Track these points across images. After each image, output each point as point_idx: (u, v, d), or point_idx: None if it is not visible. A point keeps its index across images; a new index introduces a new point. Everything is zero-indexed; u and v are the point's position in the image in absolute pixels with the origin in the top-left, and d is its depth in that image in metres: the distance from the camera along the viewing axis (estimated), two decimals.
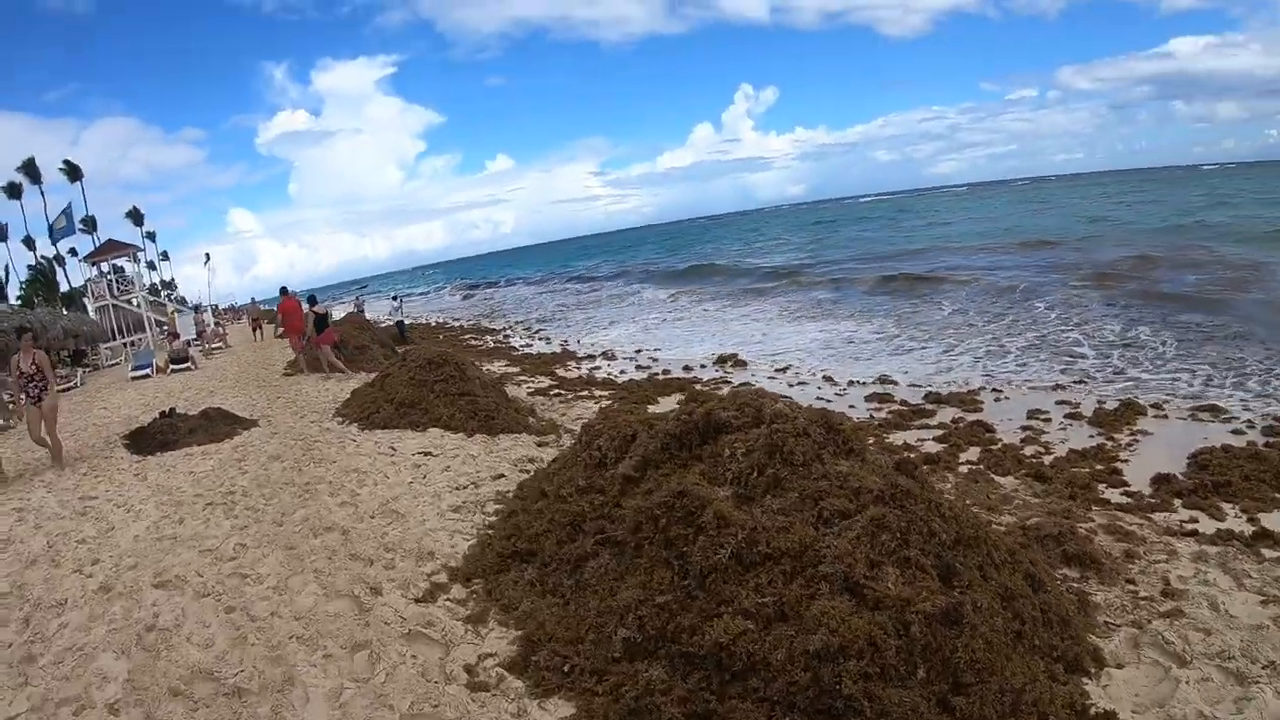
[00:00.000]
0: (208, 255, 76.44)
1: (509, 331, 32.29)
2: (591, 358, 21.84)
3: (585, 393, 16.16)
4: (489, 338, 30.68)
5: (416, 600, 5.89)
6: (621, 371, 18.87)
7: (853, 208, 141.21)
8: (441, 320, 43.83)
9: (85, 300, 43.39)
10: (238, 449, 11.75)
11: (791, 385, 14.82)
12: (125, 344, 38.38)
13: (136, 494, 9.69)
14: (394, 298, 30.81)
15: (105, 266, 42.71)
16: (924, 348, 17.45)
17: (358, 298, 45.73)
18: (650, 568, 5.18)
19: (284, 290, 22.20)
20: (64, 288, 72.00)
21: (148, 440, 12.58)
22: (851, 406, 12.80)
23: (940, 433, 10.71)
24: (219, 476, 10.10)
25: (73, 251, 74.00)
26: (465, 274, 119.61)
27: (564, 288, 57.84)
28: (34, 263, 74.44)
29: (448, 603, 5.86)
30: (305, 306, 19.52)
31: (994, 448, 9.73)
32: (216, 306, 55.37)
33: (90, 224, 72.98)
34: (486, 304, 55.04)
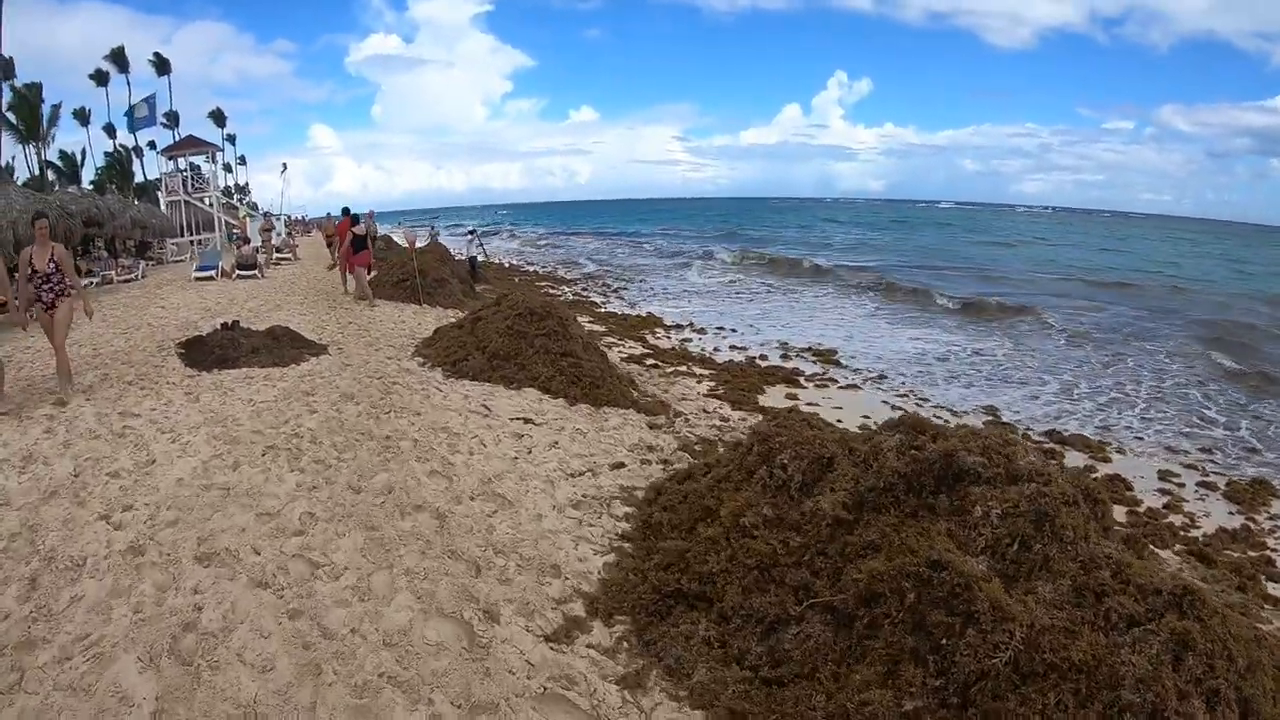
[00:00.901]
0: (285, 165, 75.92)
1: (585, 285, 30.63)
2: (680, 327, 20.27)
3: (684, 368, 14.66)
4: (566, 289, 29.14)
5: (547, 639, 4.43)
6: (715, 350, 17.26)
7: (933, 212, 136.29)
8: (515, 262, 42.35)
9: (159, 193, 42.64)
10: (305, 379, 10.38)
11: (888, 401, 13.04)
12: (193, 242, 37.61)
13: (186, 419, 8.35)
14: (470, 231, 29.06)
15: (183, 163, 41.84)
16: (1039, 382, 15.46)
17: (432, 227, 44.54)
18: (893, 658, 3.92)
19: (346, 211, 21.10)
20: (140, 179, 72.23)
21: (205, 353, 11.29)
22: None
23: None
24: (283, 411, 8.71)
25: (151, 144, 74.02)
26: (538, 219, 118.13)
27: (641, 248, 56.02)
28: (112, 150, 74.49)
29: (590, 649, 4.40)
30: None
31: (1139, 509, 8.65)
32: (289, 216, 54.55)
33: (173, 119, 72.81)
34: (558, 252, 53.33)
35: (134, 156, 73.89)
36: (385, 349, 12.81)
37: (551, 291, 27.54)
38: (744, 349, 17.43)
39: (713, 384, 13.35)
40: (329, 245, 25.96)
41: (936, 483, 4.82)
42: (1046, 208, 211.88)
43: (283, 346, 11.85)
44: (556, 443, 8.08)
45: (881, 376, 15.02)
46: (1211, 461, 10.66)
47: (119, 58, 73.24)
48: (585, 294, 27.38)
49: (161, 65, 76.46)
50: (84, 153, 70.18)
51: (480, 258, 27.49)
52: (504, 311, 11.86)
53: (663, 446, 8.50)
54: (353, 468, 6.90)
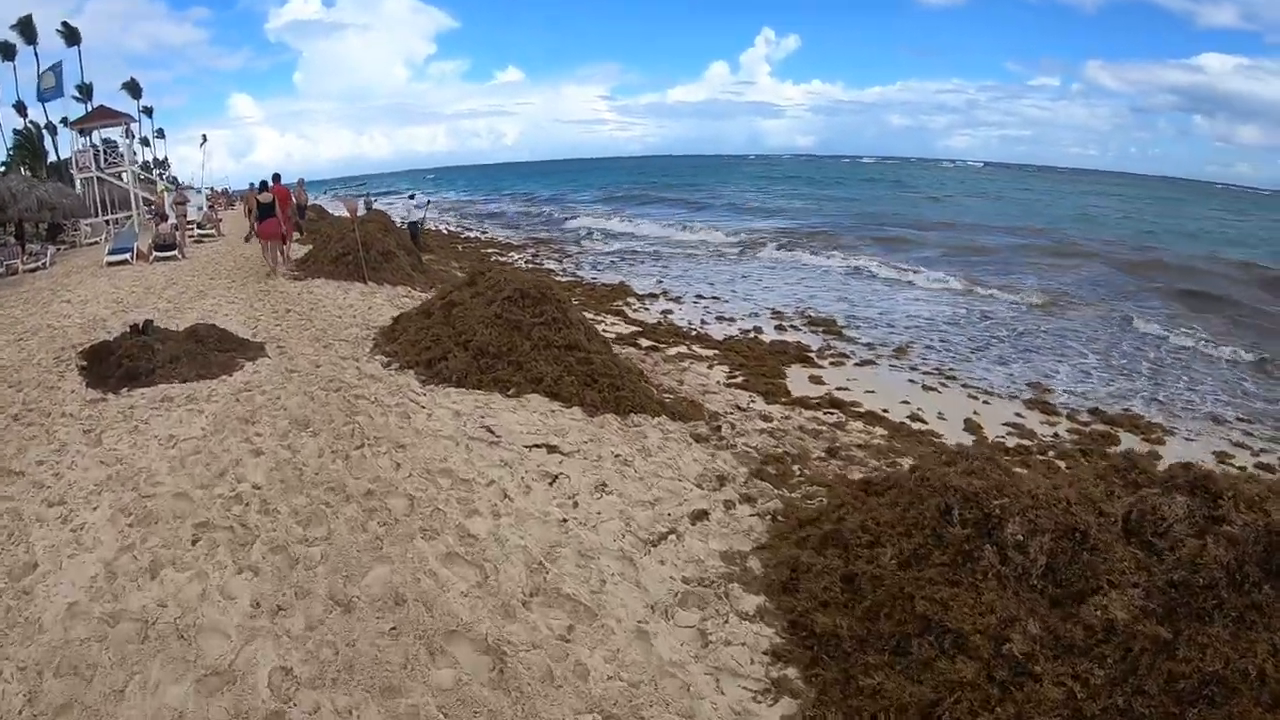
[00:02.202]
0: (204, 137, 70.39)
1: (537, 251, 27.82)
2: (654, 296, 17.91)
3: (684, 348, 12.44)
4: (515, 255, 26.34)
5: None
6: (703, 322, 15.01)
7: (859, 168, 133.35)
8: (454, 229, 38.96)
9: (72, 172, 38.12)
10: (241, 397, 7.84)
11: (916, 380, 11.06)
12: (108, 222, 33.59)
13: (84, 476, 5.83)
14: (412, 195, 25.80)
15: (96, 137, 37.35)
16: (1076, 354, 13.54)
17: (368, 194, 41.00)
18: None
19: (276, 177, 18.42)
20: (54, 158, 65.99)
21: (112, 367, 8.62)
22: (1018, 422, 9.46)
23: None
24: (216, 455, 6.22)
25: (65, 121, 67.47)
26: (465, 182, 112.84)
27: (583, 209, 52.53)
28: (23, 128, 68.09)
29: None
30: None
31: None
32: (211, 189, 50.00)
33: (86, 92, 66.54)
34: (497, 217, 49.70)
35: (47, 134, 67.32)
36: (337, 344, 10.18)
37: (501, 259, 24.78)
38: (731, 319, 15.31)
39: (726, 368, 11.23)
40: (249, 217, 22.79)
41: (1262, 572, 3.18)
42: (979, 163, 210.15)
43: (208, 350, 9.14)
44: (604, 484, 5.72)
45: (900, 350, 12.95)
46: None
47: (26, 28, 66.04)
48: (538, 260, 24.63)
49: (71, 35, 69.51)
50: None
51: (424, 224, 24.48)
52: (485, 294, 9.33)
53: (730, 473, 6.28)
54: (331, 560, 4.46)
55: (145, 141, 77.74)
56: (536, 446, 6.40)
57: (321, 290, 14.76)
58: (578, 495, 5.51)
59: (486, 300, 9.26)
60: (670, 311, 15.76)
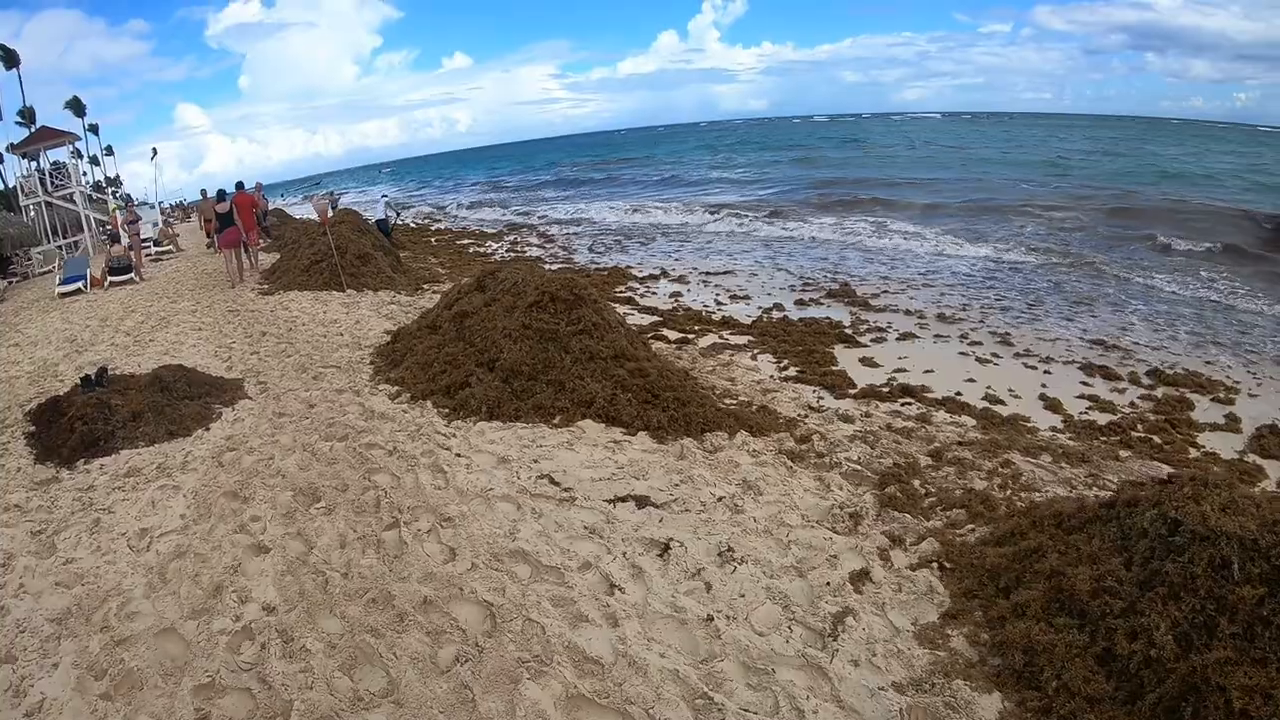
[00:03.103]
0: (154, 150, 66.27)
1: (516, 238, 25.97)
2: (655, 278, 16.23)
3: (713, 335, 10.91)
4: (494, 244, 24.52)
5: None
6: (718, 302, 13.36)
7: (812, 126, 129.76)
8: (422, 222, 36.65)
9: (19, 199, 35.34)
10: (225, 459, 6.27)
11: (985, 360, 9.45)
12: (59, 247, 31.14)
13: (31, 615, 4.30)
14: (384, 196, 23.76)
15: (45, 161, 34.59)
16: (1117, 305, 12.33)
17: (331, 191, 38.77)
18: None
19: (239, 186, 17.39)
20: (3, 186, 62.27)
21: (63, 433, 6.87)
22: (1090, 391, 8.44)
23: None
24: (205, 559, 4.70)
25: (9, 147, 63.58)
26: (425, 173, 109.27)
27: (548, 190, 50.29)
28: None
29: None
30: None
31: None
32: (163, 205, 47.26)
33: (28, 116, 62.37)
34: (467, 208, 46.91)
35: None
36: (328, 373, 8.55)
37: (475, 249, 22.99)
38: (747, 297, 13.72)
39: (770, 356, 9.72)
40: (206, 227, 20.79)
41: None
42: (937, 114, 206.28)
43: (177, 400, 7.47)
44: (728, 549, 4.29)
45: (943, 317, 11.51)
46: None
47: None
48: (520, 249, 22.83)
49: (9, 58, 65.46)
50: None
51: (394, 221, 22.56)
52: (501, 300, 7.74)
53: (856, 504, 4.90)
54: None
55: (95, 160, 73.77)
56: (621, 500, 4.87)
57: (297, 304, 13.01)
58: (703, 570, 4.03)
59: (505, 307, 7.66)
60: (680, 294, 14.13)
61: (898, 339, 10.35)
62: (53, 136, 35.10)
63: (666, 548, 4.26)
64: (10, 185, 51.44)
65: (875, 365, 9.18)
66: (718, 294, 14.03)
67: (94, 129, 76.25)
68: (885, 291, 13.46)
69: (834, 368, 9.05)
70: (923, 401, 7.84)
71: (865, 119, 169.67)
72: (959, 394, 8.04)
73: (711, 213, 26.97)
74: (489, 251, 22.27)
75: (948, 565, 4.19)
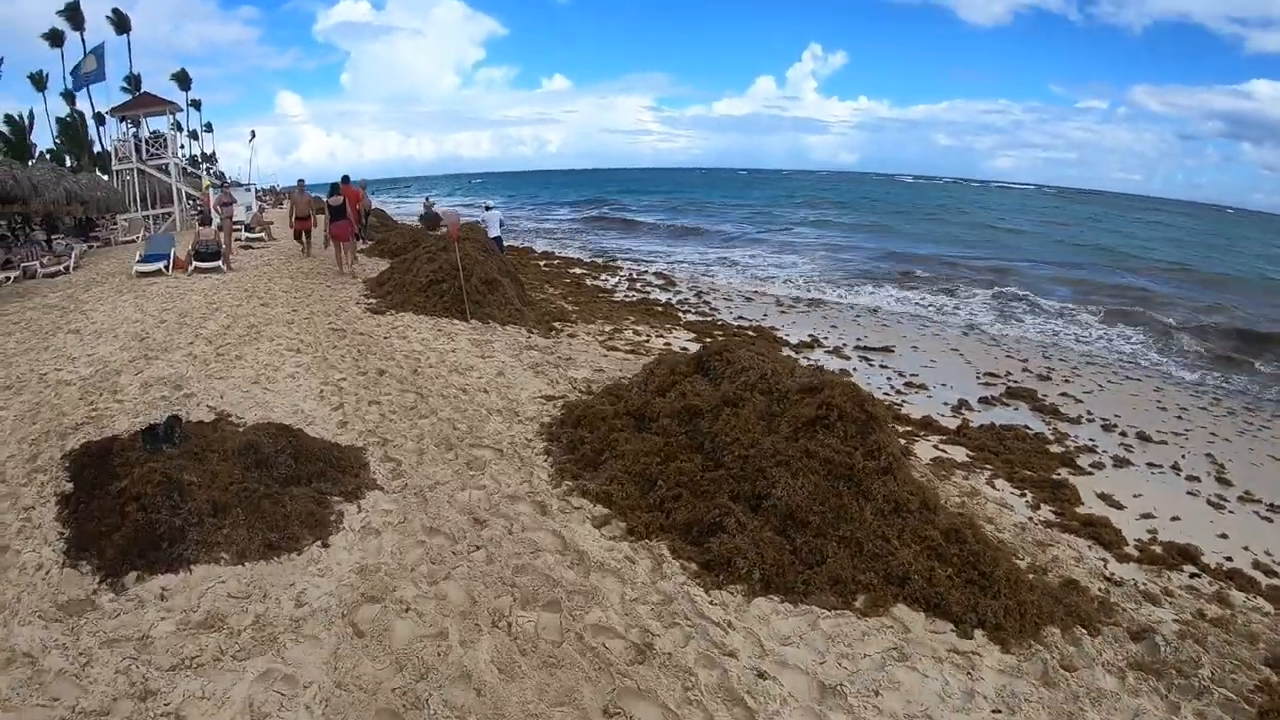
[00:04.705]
0: (253, 133, 66.38)
1: (630, 272, 23.53)
2: (808, 345, 13.77)
3: (927, 443, 8.69)
4: (609, 277, 22.09)
5: None
6: (897, 391, 11.04)
7: (902, 189, 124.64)
8: (523, 244, 33.74)
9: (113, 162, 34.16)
10: (361, 627, 3.91)
11: (1218, 504, 7.52)
12: (146, 217, 29.79)
13: None
14: (488, 207, 21.13)
15: (145, 129, 33.43)
16: None
17: (427, 199, 37.02)
18: None
19: (346, 179, 16.95)
20: (102, 148, 62.50)
21: (109, 510, 4.48)
22: None
23: None
24: None
25: (111, 110, 63.75)
26: (512, 189, 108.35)
27: (649, 225, 47.10)
28: (68, 116, 64.83)
29: None
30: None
31: None
32: (258, 187, 46.16)
33: (134, 83, 62.77)
34: (570, 234, 40.32)
35: (95, 123, 63.56)
36: (485, 456, 6.16)
37: (595, 283, 20.61)
38: (924, 386, 11.25)
39: (1007, 483, 7.58)
40: (298, 234, 18.80)
41: None
42: (1031, 185, 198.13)
43: (278, 485, 4.98)
44: None
45: (1144, 436, 9.46)
46: None
47: (74, 14, 62.73)
48: (642, 288, 20.27)
49: (121, 23, 65.94)
50: (31, 116, 59.96)
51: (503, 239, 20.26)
52: (752, 400, 5.45)
53: None
54: None
55: (194, 135, 74.38)
56: None
57: (416, 333, 10.69)
58: None
59: (760, 412, 5.26)
60: (846, 372, 11.39)
61: (1114, 465, 8.34)
62: (153, 104, 33.97)
63: None
64: (107, 149, 51.10)
65: (1117, 505, 7.16)
66: (890, 378, 11.59)
67: (196, 104, 76.97)
68: (1065, 396, 11.11)
69: (1082, 509, 6.95)
70: (1205, 571, 5.94)
71: (963, 184, 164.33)
72: (1229, 559, 6.22)
73: (829, 277, 24.20)
74: (608, 286, 19.89)
75: None
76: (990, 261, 27.75)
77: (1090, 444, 8.89)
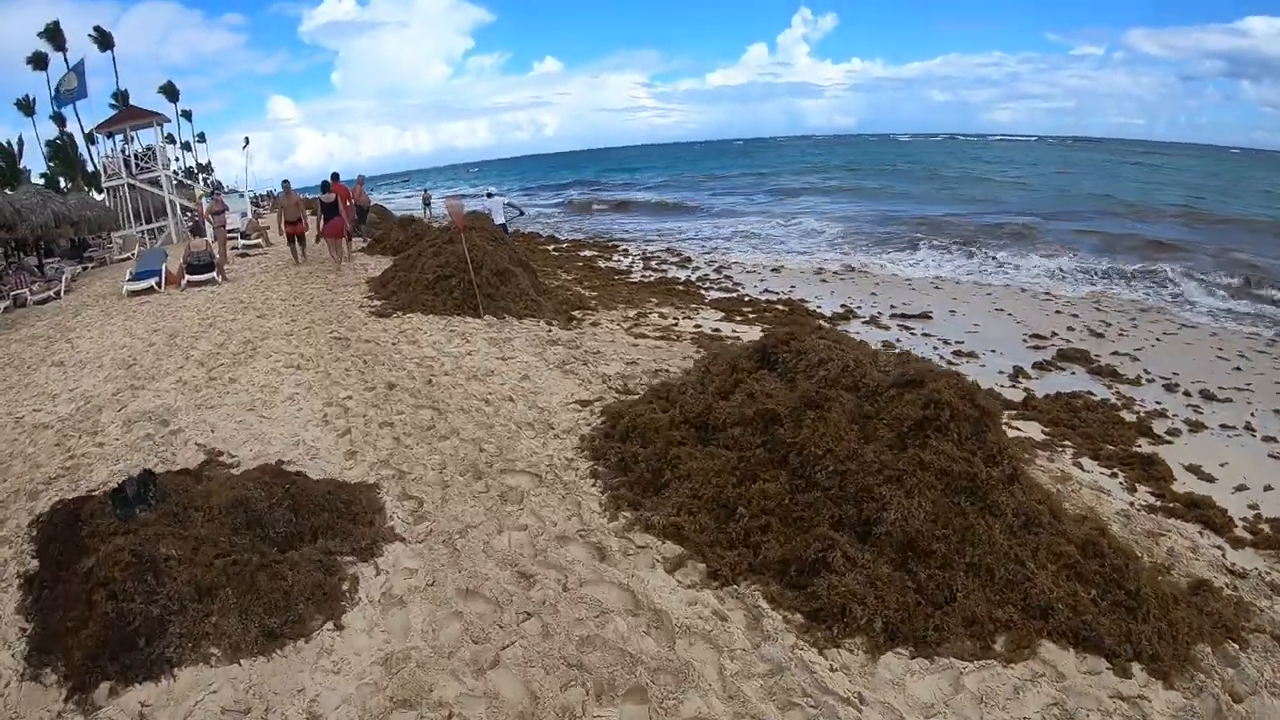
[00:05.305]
0: (246, 139, 64.78)
1: (644, 250, 22.49)
2: (843, 317, 12.81)
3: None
4: (622, 258, 21.06)
5: None
6: (948, 361, 10.18)
7: (902, 147, 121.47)
8: (526, 228, 32.58)
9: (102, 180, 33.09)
10: None
11: None
12: (142, 233, 28.88)
13: None
14: (490, 194, 20.07)
15: (138, 144, 32.40)
16: None
17: (424, 190, 36.00)
18: None
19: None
20: (94, 168, 61.43)
21: (74, 598, 3.52)
22: None
23: None
24: None
25: (97, 127, 62.45)
26: (513, 174, 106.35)
27: (645, 199, 45.42)
28: (57, 138, 63.82)
29: None
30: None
31: None
32: (254, 193, 44.97)
33: (122, 100, 61.58)
34: (574, 217, 38.85)
35: (87, 143, 62.37)
36: (521, 484, 5.23)
37: (608, 265, 19.57)
38: (974, 354, 10.42)
39: (1091, 460, 6.77)
40: (291, 238, 17.62)
41: None
42: (1031, 137, 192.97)
43: (276, 549, 4.06)
44: None
45: (1207, 394, 8.72)
46: None
47: (55, 35, 61.46)
48: (661, 268, 19.21)
49: (104, 40, 64.78)
50: (20, 141, 58.83)
51: (511, 227, 19.29)
52: (839, 400, 4.56)
53: None
54: None
55: (187, 146, 73.21)
56: None
57: (426, 335, 9.73)
58: None
59: (850, 414, 4.34)
60: (892, 345, 10.35)
61: (1189, 430, 7.62)
62: (139, 116, 32.93)
63: None
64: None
65: (1208, 478, 6.43)
66: (936, 347, 10.72)
67: (187, 115, 75.75)
68: (1120, 355, 10.26)
69: (1176, 485, 6.25)
70: None
71: (958, 140, 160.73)
72: None
73: (847, 238, 23.12)
74: (623, 268, 18.87)
75: None
76: (1001, 218, 26.42)
77: (1159, 408, 8.16)
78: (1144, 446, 7.08)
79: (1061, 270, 17.04)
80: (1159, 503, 5.88)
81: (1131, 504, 5.75)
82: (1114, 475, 6.42)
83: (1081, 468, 6.52)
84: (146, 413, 7.13)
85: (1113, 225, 24.66)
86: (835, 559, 3.80)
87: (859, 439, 4.25)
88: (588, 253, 22.14)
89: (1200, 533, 5.31)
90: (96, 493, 5.05)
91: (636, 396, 6.64)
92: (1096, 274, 16.48)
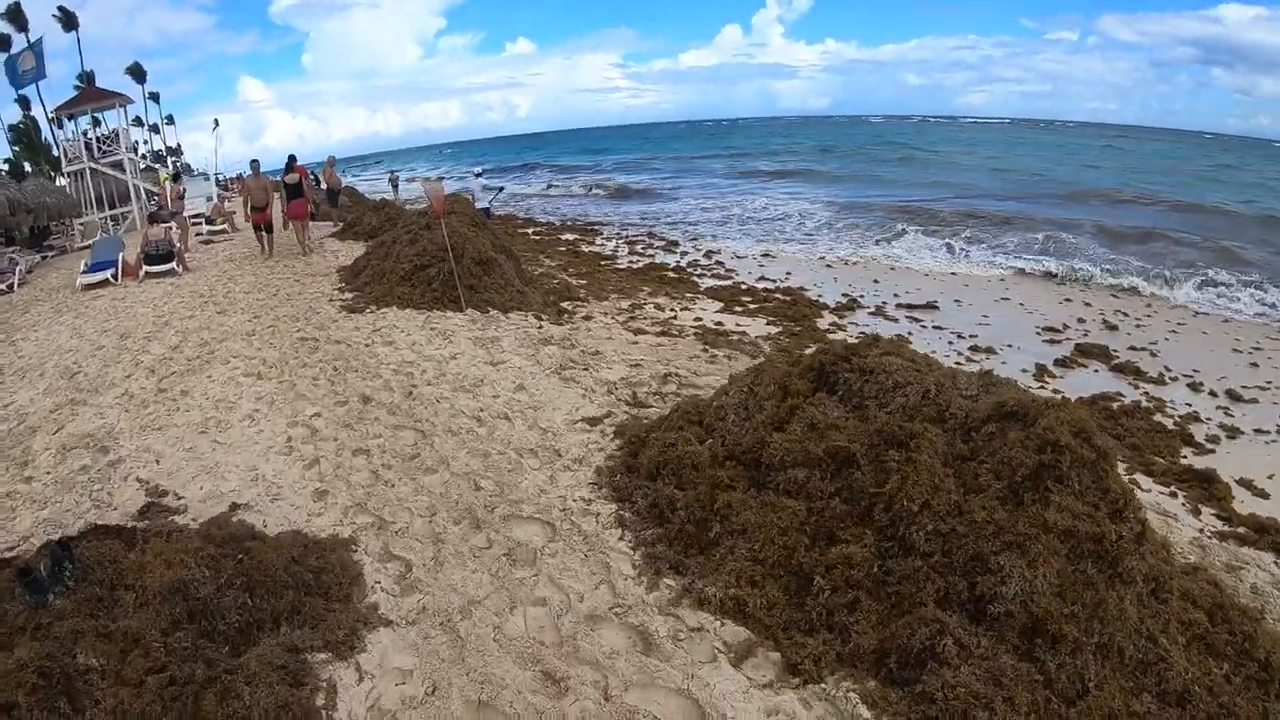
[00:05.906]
0: (216, 121, 62.53)
1: (627, 234, 21.48)
2: (848, 308, 12.05)
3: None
4: (605, 243, 20.03)
5: None
6: (968, 359, 9.53)
7: (876, 127, 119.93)
8: (509, 211, 31.13)
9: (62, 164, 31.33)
10: None
11: None
12: (105, 219, 27.40)
13: None
14: (478, 174, 18.65)
15: (104, 128, 30.69)
16: None
17: (391, 172, 34.63)
18: None
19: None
20: (58, 152, 59.08)
21: None
22: None
23: None
24: None
25: (57, 109, 59.91)
26: (486, 156, 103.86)
27: (623, 182, 43.83)
28: (20, 122, 61.32)
29: None
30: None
31: None
32: (220, 176, 43.19)
33: (88, 81, 59.17)
34: (551, 199, 37.06)
35: (53, 126, 59.95)
36: (531, 536, 4.31)
37: (594, 249, 18.54)
38: (991, 350, 9.78)
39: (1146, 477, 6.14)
40: (257, 225, 16.21)
41: None
42: (1005, 119, 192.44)
43: (221, 652, 3.22)
44: None
45: (1234, 395, 8.32)
46: None
47: (16, 15, 58.68)
48: (647, 252, 18.20)
49: (68, 20, 61.95)
50: None
51: (491, 209, 18.10)
52: (926, 436, 3.61)
53: None
54: None
55: (155, 128, 70.55)
56: None
57: (404, 335, 8.71)
58: None
59: (942, 455, 3.41)
60: (904, 337, 9.44)
61: (1227, 436, 7.19)
62: (101, 98, 31.30)
63: None
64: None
65: (1262, 494, 5.93)
66: (950, 341, 10.08)
67: (155, 97, 72.90)
68: (1133, 352, 9.78)
69: (1235, 504, 5.69)
70: None
71: (930, 122, 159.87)
72: None
73: (832, 217, 22.31)
74: (608, 253, 17.87)
75: None
76: (979, 203, 25.72)
77: (1191, 410, 7.76)
78: (1189, 457, 6.57)
79: (1056, 254, 16.36)
80: (1227, 527, 5.28)
81: (1201, 530, 5.08)
82: (1173, 494, 5.83)
83: (1140, 486, 5.75)
84: (85, 436, 6.10)
85: (1098, 213, 24.03)
86: (946, 647, 2.92)
87: (959, 489, 3.33)
88: (569, 236, 21.07)
89: (1276, 562, 4.65)
90: (13, 555, 4.03)
91: (651, 410, 5.70)
92: (1096, 260, 15.75)
